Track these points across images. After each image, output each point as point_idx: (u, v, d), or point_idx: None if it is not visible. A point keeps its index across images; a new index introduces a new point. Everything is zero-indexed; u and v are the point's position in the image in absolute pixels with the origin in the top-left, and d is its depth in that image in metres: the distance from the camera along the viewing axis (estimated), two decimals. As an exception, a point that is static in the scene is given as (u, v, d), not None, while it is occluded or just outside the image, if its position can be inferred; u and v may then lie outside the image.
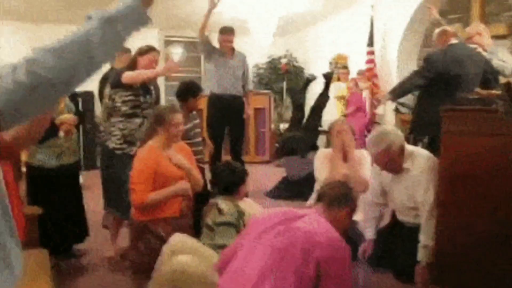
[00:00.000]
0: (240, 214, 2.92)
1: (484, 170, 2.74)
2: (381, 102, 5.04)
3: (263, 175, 7.48)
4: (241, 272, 2.22)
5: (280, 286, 2.08)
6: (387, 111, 7.69)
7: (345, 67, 8.47)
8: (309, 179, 4.38)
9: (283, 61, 10.11)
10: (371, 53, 7.95)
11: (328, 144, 5.68)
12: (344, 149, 3.77)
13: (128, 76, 3.68)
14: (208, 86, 5.90)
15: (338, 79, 8.41)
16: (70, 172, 3.81)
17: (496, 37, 5.60)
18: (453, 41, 4.52)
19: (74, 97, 4.48)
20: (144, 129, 3.71)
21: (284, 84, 9.87)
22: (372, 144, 3.18)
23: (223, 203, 2.92)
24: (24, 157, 3.75)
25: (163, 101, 6.75)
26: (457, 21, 6.67)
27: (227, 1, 6.12)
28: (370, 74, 7.93)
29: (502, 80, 4.42)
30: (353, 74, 8.18)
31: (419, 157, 3.19)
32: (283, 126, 9.17)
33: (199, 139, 4.29)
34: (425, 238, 3.06)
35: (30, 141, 1.66)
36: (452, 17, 7.03)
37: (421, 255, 3.08)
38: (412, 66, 7.33)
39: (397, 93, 4.66)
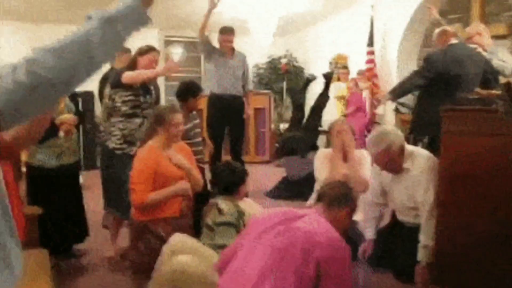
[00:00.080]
0: (240, 214, 2.92)
1: (484, 170, 2.74)
2: (381, 102, 5.04)
3: (263, 175, 7.48)
4: (241, 272, 2.22)
5: (280, 286, 2.09)
6: (387, 111, 7.70)
7: (345, 67, 8.47)
8: (309, 179, 4.38)
9: (283, 61, 10.11)
10: (371, 53, 7.95)
11: (328, 144, 5.68)
12: (344, 149, 3.77)
13: (128, 76, 3.68)
14: (208, 86, 5.91)
15: (338, 79, 8.41)
16: (70, 172, 3.81)
17: (496, 37, 5.60)
18: (453, 41, 4.52)
19: (74, 97, 4.47)
20: (144, 129, 3.72)
21: (284, 84, 9.88)
22: (372, 144, 3.18)
23: (223, 203, 2.92)
24: (24, 157, 3.75)
25: (163, 101, 6.76)
26: (457, 21, 6.67)
27: (227, 1, 6.12)
28: (370, 74, 7.93)
29: (502, 80, 4.42)
30: (353, 74, 8.18)
31: (419, 157, 3.19)
32: (283, 126, 9.17)
33: (199, 139, 4.28)
34: (425, 238, 3.06)
35: (30, 141, 1.66)
36: (452, 17, 7.03)
37: (421, 255, 3.08)
38: (412, 66, 7.33)
39: (397, 93, 4.66)
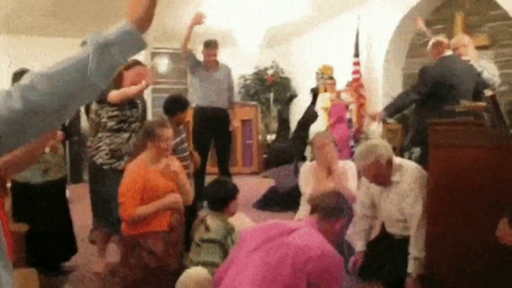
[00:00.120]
0: (229, 231, 2.90)
1: (472, 182, 2.76)
2: (376, 119, 4.97)
3: (251, 186, 7.46)
4: (232, 289, 2.21)
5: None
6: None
7: (331, 78, 8.51)
8: (298, 189, 4.37)
9: (270, 72, 10.14)
10: (357, 63, 8.00)
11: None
12: (327, 163, 3.78)
13: (114, 96, 3.64)
14: (194, 99, 5.91)
15: (325, 90, 8.45)
16: (56, 187, 3.77)
17: (479, 47, 5.67)
18: (448, 52, 4.55)
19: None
20: (132, 144, 3.71)
21: (271, 95, 9.89)
22: (360, 157, 3.18)
23: (210, 220, 2.92)
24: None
25: (150, 113, 6.74)
26: (441, 32, 6.75)
27: (214, 11, 6.14)
28: (356, 85, 7.98)
29: (488, 93, 4.46)
30: (340, 84, 8.21)
31: (408, 169, 3.19)
32: (270, 137, 9.18)
33: (187, 153, 4.27)
34: (415, 250, 3.06)
35: (20, 167, 1.64)
36: (436, 28, 7.11)
37: (412, 267, 3.08)
38: (398, 76, 7.40)
39: (395, 109, 4.64)
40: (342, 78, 8.15)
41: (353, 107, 8.00)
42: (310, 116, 6.95)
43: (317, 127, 7.45)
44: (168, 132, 3.28)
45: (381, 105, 7.03)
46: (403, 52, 7.86)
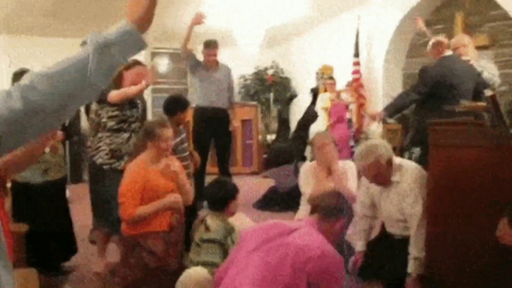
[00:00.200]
0: (229, 231, 2.91)
1: (472, 182, 2.76)
2: (377, 119, 4.97)
3: (251, 186, 7.46)
4: (232, 289, 2.21)
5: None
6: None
7: (331, 78, 8.51)
8: (299, 189, 4.37)
9: (270, 72, 10.14)
10: (357, 63, 8.01)
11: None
12: (327, 163, 3.78)
13: (114, 96, 3.64)
14: (194, 99, 5.91)
15: (325, 90, 8.45)
16: (56, 188, 3.77)
17: (478, 47, 5.67)
18: (448, 52, 4.54)
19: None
20: (132, 144, 3.71)
21: (271, 95, 9.90)
22: (360, 158, 3.18)
23: (210, 220, 2.92)
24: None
25: (150, 113, 6.74)
26: (441, 32, 6.75)
27: (214, 11, 6.14)
28: (356, 85, 7.98)
29: (487, 93, 4.46)
30: (340, 84, 8.21)
31: (408, 169, 3.19)
32: (270, 137, 9.18)
33: (187, 153, 4.28)
34: (415, 250, 3.06)
35: (22, 166, 1.64)
36: (436, 28, 7.11)
37: (412, 267, 3.08)
38: (398, 76, 7.40)
39: (394, 109, 4.65)
40: (342, 78, 8.15)
41: (353, 107, 8.00)
42: (310, 116, 6.94)
43: (317, 127, 7.45)
44: (168, 132, 3.28)
45: (381, 105, 7.03)
46: (403, 52, 7.86)
